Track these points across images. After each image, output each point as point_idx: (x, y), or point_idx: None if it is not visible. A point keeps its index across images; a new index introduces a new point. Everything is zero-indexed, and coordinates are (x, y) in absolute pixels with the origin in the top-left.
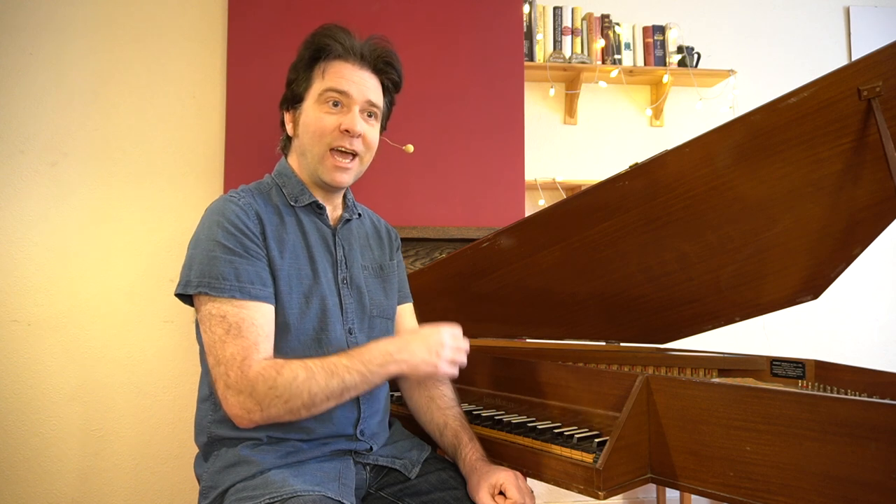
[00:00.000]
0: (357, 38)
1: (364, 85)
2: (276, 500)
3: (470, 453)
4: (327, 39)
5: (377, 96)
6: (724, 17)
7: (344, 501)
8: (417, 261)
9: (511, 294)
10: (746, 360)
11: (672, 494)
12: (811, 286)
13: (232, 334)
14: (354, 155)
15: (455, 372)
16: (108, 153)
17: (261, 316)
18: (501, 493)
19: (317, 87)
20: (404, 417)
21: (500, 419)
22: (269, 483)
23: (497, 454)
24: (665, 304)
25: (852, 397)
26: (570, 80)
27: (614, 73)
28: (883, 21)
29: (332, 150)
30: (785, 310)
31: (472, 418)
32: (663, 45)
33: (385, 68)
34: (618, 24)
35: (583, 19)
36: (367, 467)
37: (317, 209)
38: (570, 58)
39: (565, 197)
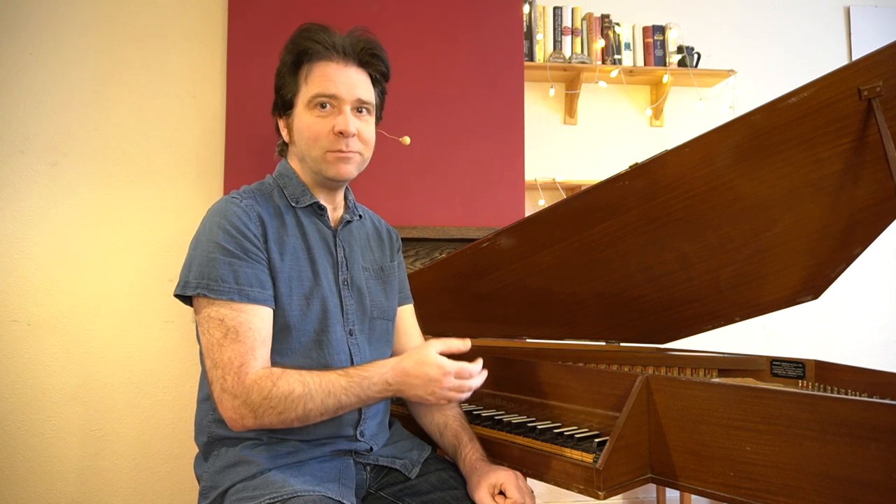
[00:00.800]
0: (337, 34)
1: (351, 83)
2: (276, 500)
3: (470, 453)
4: (307, 42)
5: (367, 91)
6: (724, 17)
7: (344, 501)
8: (417, 261)
9: (511, 294)
10: (746, 360)
11: (672, 494)
12: (811, 286)
13: (229, 338)
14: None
15: (451, 404)
16: (108, 153)
17: (259, 320)
18: (501, 492)
19: (304, 92)
20: (404, 417)
21: (500, 419)
22: (269, 483)
23: (497, 454)
24: (665, 304)
25: (852, 397)
26: (570, 80)
27: (614, 73)
28: (883, 21)
29: (329, 152)
30: (785, 310)
31: (472, 418)
32: (663, 45)
33: (371, 60)
34: (618, 24)
35: (583, 19)
36: (368, 467)
37: (318, 210)
38: (570, 58)
39: (565, 197)
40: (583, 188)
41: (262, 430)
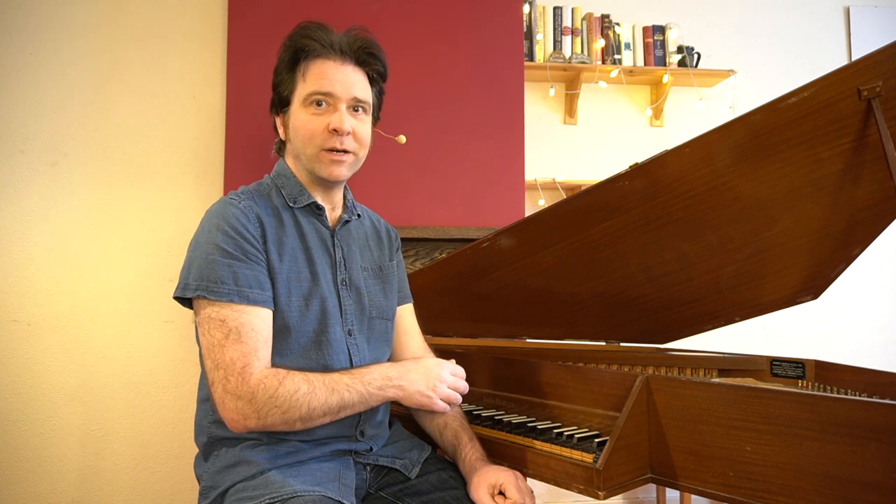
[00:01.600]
0: (335, 33)
1: (348, 81)
2: (276, 500)
3: (470, 453)
4: (305, 39)
5: (363, 90)
6: (724, 17)
7: (344, 501)
8: (417, 261)
9: (511, 294)
10: (746, 360)
11: (672, 494)
12: (811, 286)
13: (231, 339)
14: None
15: (447, 409)
16: (108, 153)
17: (260, 321)
18: (501, 493)
19: (300, 90)
20: (404, 417)
21: (500, 419)
22: (269, 483)
23: (497, 454)
24: (665, 304)
25: (852, 397)
26: (570, 80)
27: (614, 73)
28: (883, 21)
29: (324, 150)
30: (785, 310)
31: (472, 418)
32: (663, 45)
33: (368, 59)
34: (618, 24)
35: (583, 19)
36: (367, 467)
37: (316, 210)
38: (570, 58)
39: (565, 197)
40: (583, 188)
41: (263, 431)
